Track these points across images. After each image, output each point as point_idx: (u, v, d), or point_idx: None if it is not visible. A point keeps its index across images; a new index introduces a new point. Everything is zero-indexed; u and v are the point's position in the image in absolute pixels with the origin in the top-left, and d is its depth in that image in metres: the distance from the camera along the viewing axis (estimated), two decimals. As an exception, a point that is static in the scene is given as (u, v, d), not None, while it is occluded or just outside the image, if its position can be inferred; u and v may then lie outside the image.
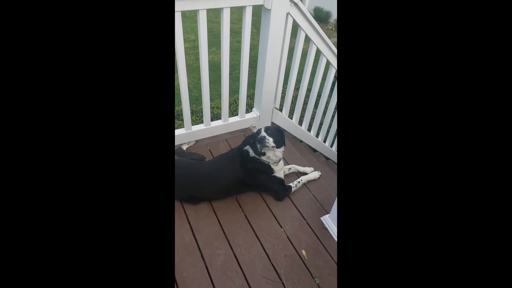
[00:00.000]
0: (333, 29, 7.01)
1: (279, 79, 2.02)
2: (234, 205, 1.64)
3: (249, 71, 1.83)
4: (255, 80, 1.97)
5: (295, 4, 1.61)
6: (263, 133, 1.57)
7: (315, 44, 1.85)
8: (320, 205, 1.74)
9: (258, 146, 1.56)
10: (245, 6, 1.52)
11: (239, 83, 1.88)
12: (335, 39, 6.41)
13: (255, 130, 1.91)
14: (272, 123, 2.16)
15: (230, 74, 1.79)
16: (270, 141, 1.55)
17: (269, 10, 1.55)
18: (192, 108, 3.37)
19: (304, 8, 1.71)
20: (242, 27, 1.60)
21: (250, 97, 3.03)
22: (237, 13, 5.09)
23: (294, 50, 1.87)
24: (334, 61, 2.02)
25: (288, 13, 1.64)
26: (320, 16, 7.42)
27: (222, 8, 1.46)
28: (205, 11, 1.43)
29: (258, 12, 1.62)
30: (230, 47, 1.62)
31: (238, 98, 2.09)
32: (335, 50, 1.94)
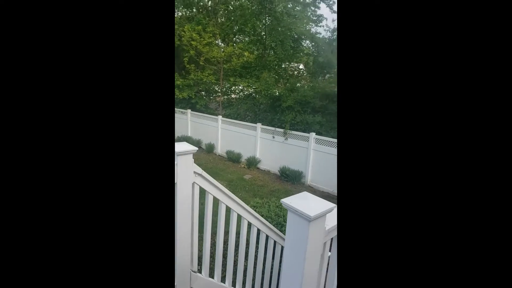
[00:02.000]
0: (245, 167, 7.87)
1: (193, 241, 1.99)
2: None
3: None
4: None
5: (199, 174, 1.82)
6: None
7: (223, 203, 2.00)
8: None
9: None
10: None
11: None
12: (249, 176, 7.14)
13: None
14: (192, 290, 1.96)
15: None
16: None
17: (175, 183, 1.69)
18: None
19: (208, 176, 1.92)
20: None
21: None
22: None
23: (205, 213, 1.96)
24: (244, 214, 2.17)
25: (193, 183, 1.81)
26: (232, 157, 8.37)
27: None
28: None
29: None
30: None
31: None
32: (244, 205, 2.12)
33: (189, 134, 10.30)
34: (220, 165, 8.06)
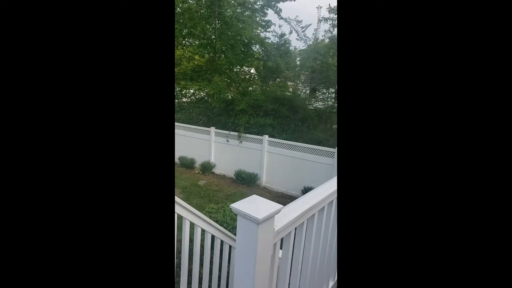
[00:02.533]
0: (200, 172, 7.72)
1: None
2: None
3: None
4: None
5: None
6: None
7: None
8: None
9: None
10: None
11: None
12: (204, 181, 7.01)
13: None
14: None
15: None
16: None
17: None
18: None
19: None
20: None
21: None
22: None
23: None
24: (197, 222, 2.12)
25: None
26: (185, 163, 8.14)
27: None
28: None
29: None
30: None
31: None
32: (196, 212, 2.08)
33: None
34: (173, 172, 7.78)
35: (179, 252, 2.18)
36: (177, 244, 2.08)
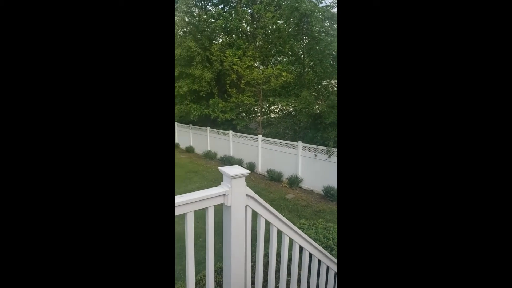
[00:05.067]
0: (287, 186, 7.77)
1: (246, 266, 1.98)
2: None
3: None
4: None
5: (252, 197, 1.84)
6: None
7: (275, 227, 1.99)
8: None
9: None
10: (207, 207, 1.68)
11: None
12: (292, 195, 7.02)
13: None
14: (245, 315, 1.93)
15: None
16: None
17: (229, 206, 1.73)
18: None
19: (260, 199, 1.93)
20: (205, 226, 1.70)
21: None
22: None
23: (257, 236, 1.96)
24: (295, 237, 2.12)
25: (246, 206, 1.83)
26: (273, 176, 8.35)
27: (186, 213, 1.58)
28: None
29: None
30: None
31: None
32: (295, 228, 2.08)
33: (231, 154, 10.56)
34: (261, 184, 8.07)
35: (278, 269, 2.21)
36: (276, 258, 2.12)
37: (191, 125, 12.93)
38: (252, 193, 1.84)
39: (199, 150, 12.43)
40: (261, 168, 9.28)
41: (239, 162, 9.99)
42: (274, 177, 8.32)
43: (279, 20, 10.06)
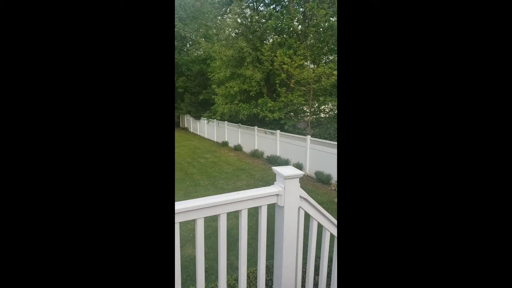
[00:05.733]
0: (335, 189, 7.49)
1: (297, 268, 1.95)
2: None
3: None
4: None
5: (305, 199, 1.80)
6: None
7: (328, 230, 1.92)
8: None
9: None
10: (260, 206, 1.70)
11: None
12: (340, 199, 6.74)
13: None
14: (294, 318, 1.90)
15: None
16: None
17: (282, 207, 1.72)
18: None
19: (313, 201, 1.89)
20: (258, 224, 1.71)
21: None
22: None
23: (309, 239, 1.92)
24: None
25: (299, 207, 1.80)
26: (321, 178, 8.12)
27: (241, 210, 1.62)
28: (225, 215, 1.58)
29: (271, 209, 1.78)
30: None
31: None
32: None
33: (278, 154, 10.56)
34: (309, 185, 7.91)
35: (330, 273, 2.13)
36: (328, 263, 2.05)
37: (239, 124, 13.27)
38: (305, 194, 1.80)
39: (246, 148, 12.70)
40: (308, 169, 9.09)
41: (286, 162, 9.93)
42: (322, 179, 8.08)
43: (332, 17, 9.73)
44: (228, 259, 3.57)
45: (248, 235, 1.65)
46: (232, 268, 3.50)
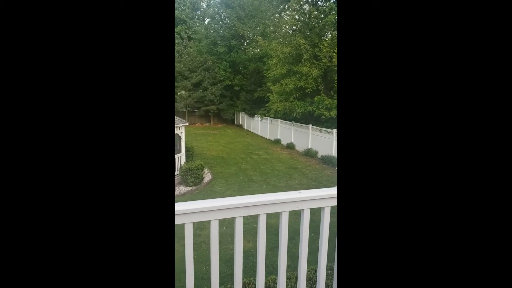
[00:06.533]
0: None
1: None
2: None
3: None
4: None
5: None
6: None
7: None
8: None
9: None
10: (323, 207, 1.62)
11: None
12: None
13: None
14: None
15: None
16: None
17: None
18: None
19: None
20: (321, 226, 1.65)
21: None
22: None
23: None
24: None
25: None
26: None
27: (303, 210, 1.57)
28: (287, 213, 1.54)
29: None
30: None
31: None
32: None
33: (333, 154, 10.16)
34: (366, 189, 7.44)
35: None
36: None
37: (293, 122, 13.13)
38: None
39: (299, 147, 12.51)
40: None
41: (341, 163, 9.48)
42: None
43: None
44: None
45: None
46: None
